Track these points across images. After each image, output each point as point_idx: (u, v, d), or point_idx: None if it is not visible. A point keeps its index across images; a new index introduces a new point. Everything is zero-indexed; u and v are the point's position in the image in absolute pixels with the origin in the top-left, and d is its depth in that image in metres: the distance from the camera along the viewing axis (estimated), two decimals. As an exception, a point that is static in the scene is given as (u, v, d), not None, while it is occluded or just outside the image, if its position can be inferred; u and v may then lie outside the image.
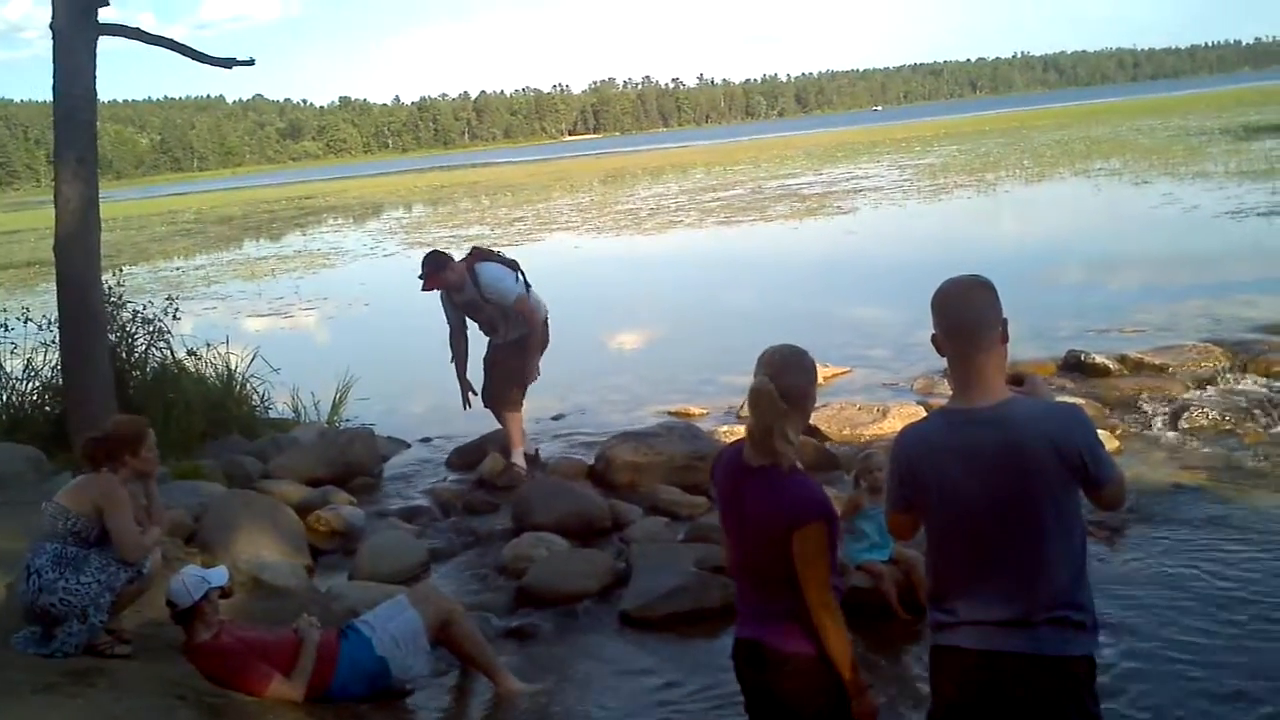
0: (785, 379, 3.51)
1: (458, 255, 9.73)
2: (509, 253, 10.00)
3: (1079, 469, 3.24)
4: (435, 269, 9.58)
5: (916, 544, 6.12)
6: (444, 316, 9.88)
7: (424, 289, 9.77)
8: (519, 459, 9.71)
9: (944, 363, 3.52)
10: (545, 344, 9.92)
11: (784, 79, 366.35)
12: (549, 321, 9.96)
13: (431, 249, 10.22)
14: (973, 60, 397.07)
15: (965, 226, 25.29)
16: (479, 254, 9.89)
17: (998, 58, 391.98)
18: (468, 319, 9.89)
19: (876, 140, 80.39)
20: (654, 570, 7.17)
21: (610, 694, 5.94)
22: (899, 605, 6.42)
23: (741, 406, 10.86)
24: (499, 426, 10.28)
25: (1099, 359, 11.12)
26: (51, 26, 8.58)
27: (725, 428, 10.20)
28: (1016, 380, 3.59)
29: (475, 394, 9.97)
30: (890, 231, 26.20)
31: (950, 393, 3.49)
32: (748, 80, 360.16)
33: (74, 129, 8.54)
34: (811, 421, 3.63)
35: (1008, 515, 3.27)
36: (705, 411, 11.21)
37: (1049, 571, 3.28)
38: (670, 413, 11.19)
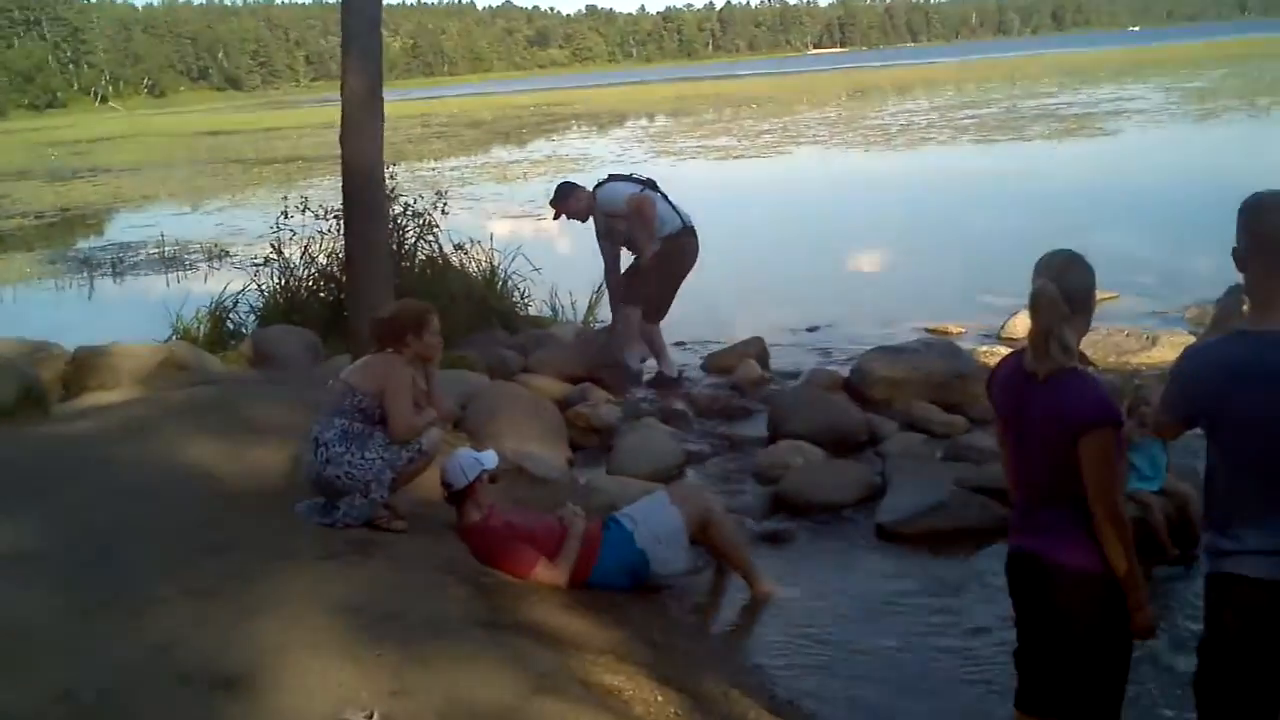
0: (1067, 280, 3.43)
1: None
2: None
3: None
4: (561, 198, 9.87)
5: (1191, 477, 5.95)
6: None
7: (554, 218, 10.08)
8: (633, 360, 9.79)
9: (1216, 292, 3.36)
10: (683, 258, 9.80)
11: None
12: (692, 235, 9.82)
13: (563, 180, 10.39)
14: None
15: (1238, 152, 23.98)
16: (609, 179, 10.02)
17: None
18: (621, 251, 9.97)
19: (1138, 61, 76.81)
20: (911, 486, 7.10)
21: (864, 606, 5.90)
22: (1168, 538, 6.20)
23: (1003, 326, 10.62)
24: (755, 334, 10.28)
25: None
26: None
27: (985, 347, 9.97)
28: None
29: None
30: (1156, 155, 25.10)
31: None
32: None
33: (359, 19, 8.74)
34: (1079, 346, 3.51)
35: None
36: (963, 330, 10.97)
37: None
38: (928, 329, 11.00)
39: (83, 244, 21.71)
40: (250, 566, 5.09)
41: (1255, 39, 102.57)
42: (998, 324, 10.79)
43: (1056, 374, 3.41)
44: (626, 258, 10.05)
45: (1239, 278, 3.34)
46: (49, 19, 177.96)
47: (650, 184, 9.82)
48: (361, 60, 8.60)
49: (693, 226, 9.82)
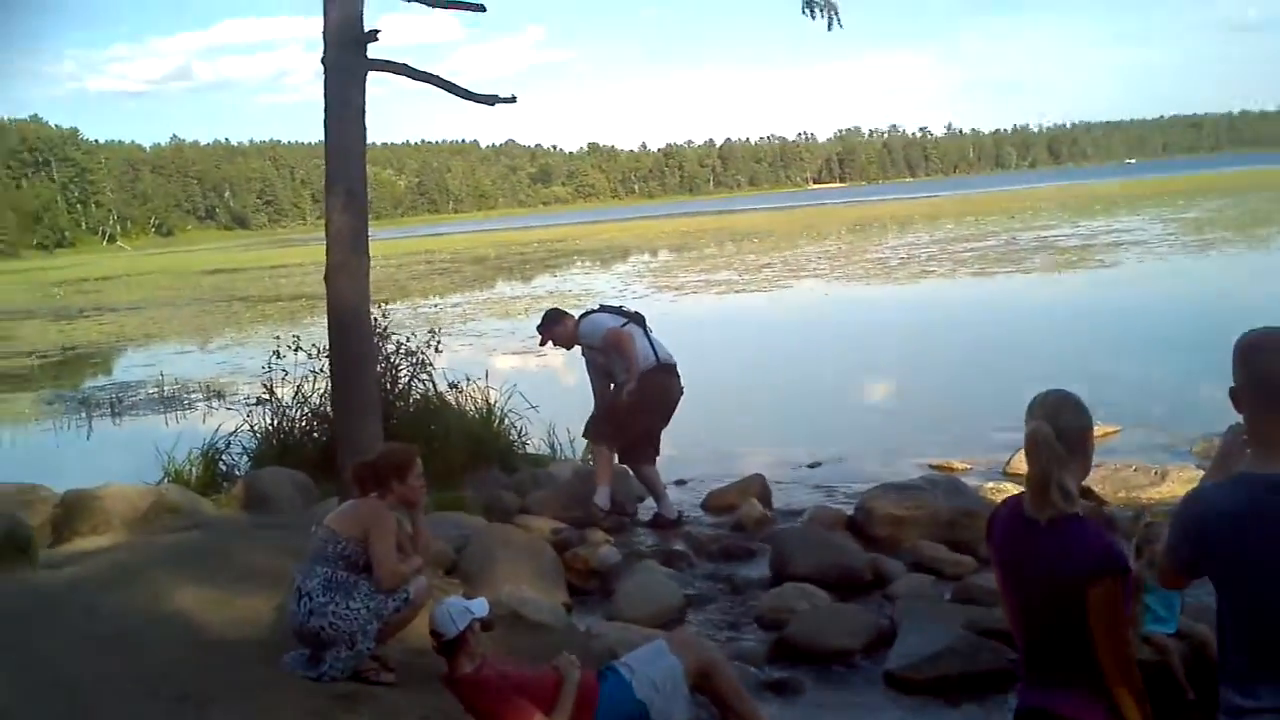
0: (1061, 420, 3.30)
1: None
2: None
3: None
4: (548, 324, 9.89)
5: (1206, 618, 5.75)
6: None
7: (540, 344, 10.06)
8: (601, 499, 9.46)
9: (1223, 426, 3.23)
10: (663, 397, 9.59)
11: (1035, 130, 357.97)
12: (670, 374, 9.64)
13: (550, 307, 10.39)
14: (1235, 113, 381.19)
15: (1237, 282, 24.10)
16: (598, 309, 9.99)
17: (1264, 110, 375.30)
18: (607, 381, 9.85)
19: (1134, 194, 77.92)
20: (920, 630, 6.86)
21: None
22: (1186, 681, 5.96)
23: (1008, 462, 10.45)
24: (756, 471, 10.12)
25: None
26: (323, 61, 8.81)
27: (991, 484, 9.79)
28: None
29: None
30: (1157, 286, 25.24)
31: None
32: (998, 130, 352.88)
33: (344, 161, 8.72)
34: (1085, 481, 3.40)
35: None
36: (969, 466, 10.80)
37: None
38: (932, 465, 10.82)
39: (83, 383, 21.72)
40: (228, 724, 4.89)
41: (1250, 171, 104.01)
42: (1003, 459, 10.62)
43: (1058, 520, 3.27)
44: None
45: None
46: (58, 159, 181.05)
47: (637, 318, 9.74)
48: (346, 199, 8.55)
49: (672, 364, 9.65)
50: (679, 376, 9.70)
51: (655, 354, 9.55)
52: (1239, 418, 3.30)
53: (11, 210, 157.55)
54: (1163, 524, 6.76)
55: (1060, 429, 3.28)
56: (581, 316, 9.86)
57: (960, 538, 8.56)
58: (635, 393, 9.31)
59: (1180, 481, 9.38)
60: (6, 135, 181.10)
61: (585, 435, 9.96)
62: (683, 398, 9.71)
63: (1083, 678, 3.29)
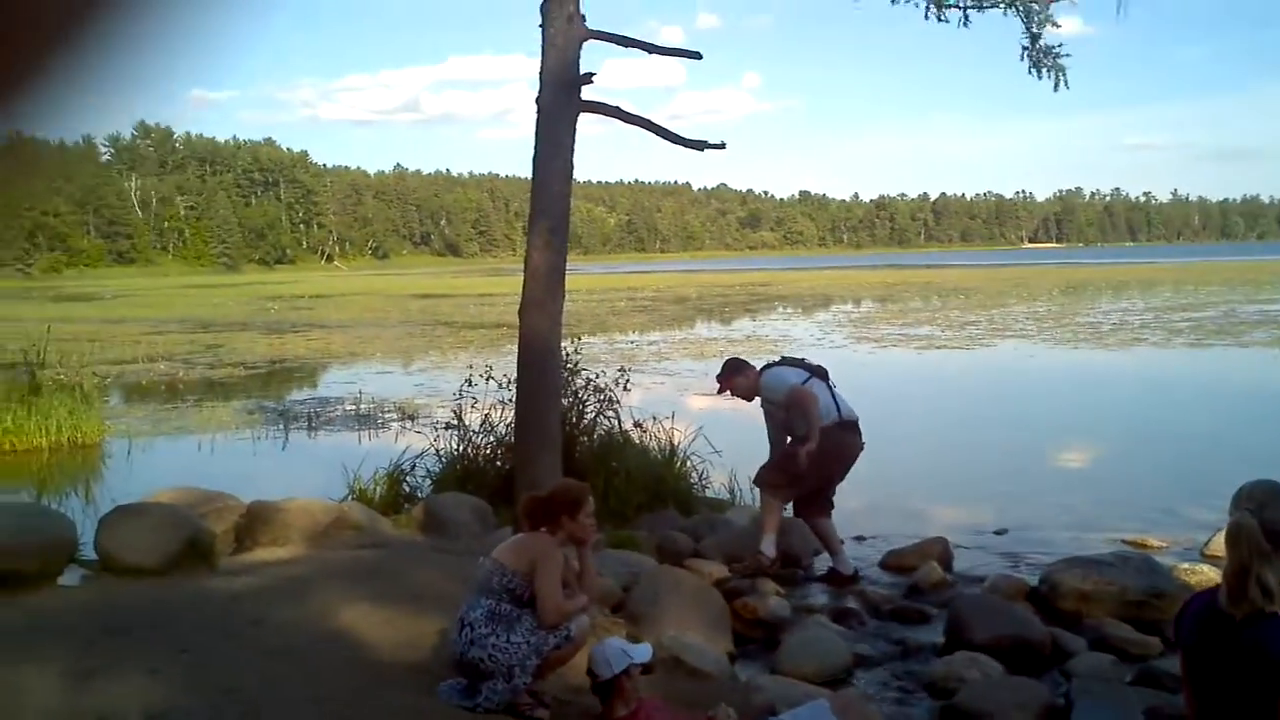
0: (1268, 513, 3.10)
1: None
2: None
3: None
4: (729, 374, 9.64)
5: None
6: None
7: (718, 392, 9.81)
8: (767, 548, 9.18)
9: None
10: (839, 452, 9.38)
11: (1267, 200, 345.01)
12: (849, 431, 9.44)
13: (731, 356, 10.20)
14: None
15: None
16: (781, 362, 9.79)
17: None
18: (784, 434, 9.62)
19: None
20: (1097, 710, 6.55)
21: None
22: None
23: (1207, 543, 9.95)
24: (939, 534, 9.87)
25: None
26: (537, 102, 8.97)
27: (1187, 564, 9.31)
28: None
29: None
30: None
31: None
32: (1225, 199, 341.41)
33: (549, 200, 8.87)
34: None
35: None
36: (1164, 544, 10.30)
37: None
38: (1124, 541, 10.36)
39: (285, 397, 22.34)
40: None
41: None
42: (1202, 539, 10.11)
43: (1254, 616, 3.06)
44: None
45: None
46: (286, 181, 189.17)
47: (820, 371, 9.58)
48: (548, 237, 8.70)
49: (854, 420, 9.48)
50: (860, 432, 9.53)
51: (838, 409, 9.39)
52: None
53: (238, 226, 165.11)
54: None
55: (1268, 524, 3.08)
56: (764, 369, 9.73)
57: (1149, 617, 8.18)
58: (814, 452, 9.14)
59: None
60: (239, 155, 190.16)
61: (756, 483, 9.80)
62: (862, 453, 9.54)
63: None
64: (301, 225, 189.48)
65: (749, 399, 9.70)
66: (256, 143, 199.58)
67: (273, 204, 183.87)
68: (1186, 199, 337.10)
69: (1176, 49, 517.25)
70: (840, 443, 9.34)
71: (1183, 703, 6.08)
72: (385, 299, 66.41)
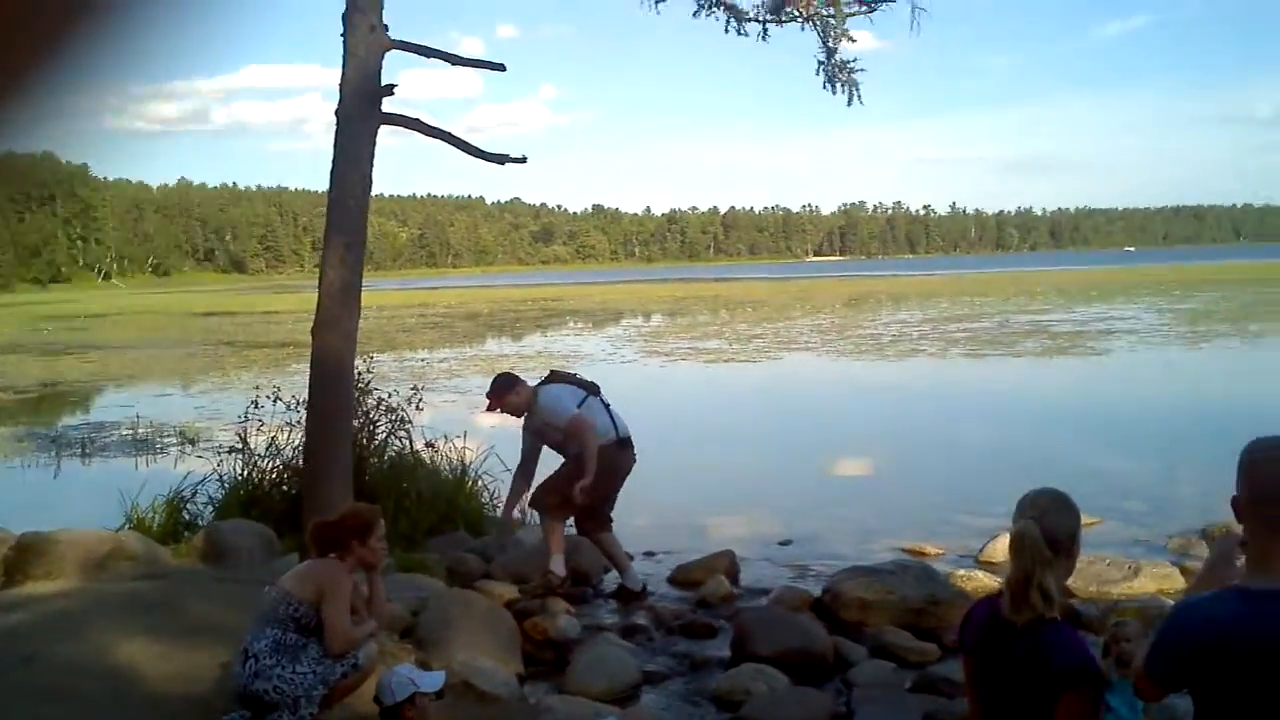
0: (1051, 521, 3.24)
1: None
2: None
3: None
4: (500, 392, 9.40)
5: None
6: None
7: (487, 409, 9.58)
8: (556, 567, 9.16)
9: (1201, 523, 3.15)
10: (615, 469, 9.39)
11: (1039, 213, 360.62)
12: (625, 448, 9.47)
13: (502, 371, 10.05)
14: (1239, 206, 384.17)
15: (1227, 379, 24.11)
16: (552, 377, 9.72)
17: (1266, 204, 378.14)
18: (543, 446, 9.63)
19: (1132, 281, 78.27)
20: (878, 717, 6.77)
21: None
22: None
23: (981, 550, 10.35)
24: (727, 547, 10.01)
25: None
26: (337, 114, 8.82)
27: (963, 571, 9.67)
28: None
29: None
30: (1146, 377, 25.21)
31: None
32: (1001, 211, 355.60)
33: (346, 215, 8.71)
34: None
35: None
36: (941, 552, 10.67)
37: None
38: (904, 550, 10.69)
39: (57, 421, 21.53)
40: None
41: (1249, 264, 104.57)
42: (977, 546, 10.51)
43: (1035, 623, 3.20)
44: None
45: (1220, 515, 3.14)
46: (63, 195, 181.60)
47: (593, 388, 9.58)
48: (343, 253, 8.55)
49: (627, 438, 9.50)
50: (633, 447, 9.56)
51: (615, 427, 9.42)
52: (1219, 514, 3.24)
53: (11, 244, 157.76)
54: (1132, 622, 6.68)
55: (1049, 531, 3.21)
56: (539, 385, 9.62)
57: (927, 625, 8.44)
58: (590, 467, 9.13)
59: (1153, 578, 9.31)
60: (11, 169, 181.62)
61: (533, 506, 9.76)
62: (635, 466, 9.60)
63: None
64: (79, 242, 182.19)
65: (520, 415, 9.52)
66: (31, 155, 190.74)
67: (49, 219, 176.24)
68: (964, 211, 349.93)
69: (974, 60, 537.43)
70: (616, 460, 9.36)
71: (962, 707, 6.34)
72: (166, 318, 64.50)
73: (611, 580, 9.91)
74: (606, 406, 9.51)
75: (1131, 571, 9.54)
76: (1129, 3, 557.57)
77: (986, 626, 3.39)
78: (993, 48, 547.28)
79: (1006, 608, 3.28)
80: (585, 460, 9.08)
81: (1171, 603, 8.28)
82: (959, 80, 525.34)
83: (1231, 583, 3.09)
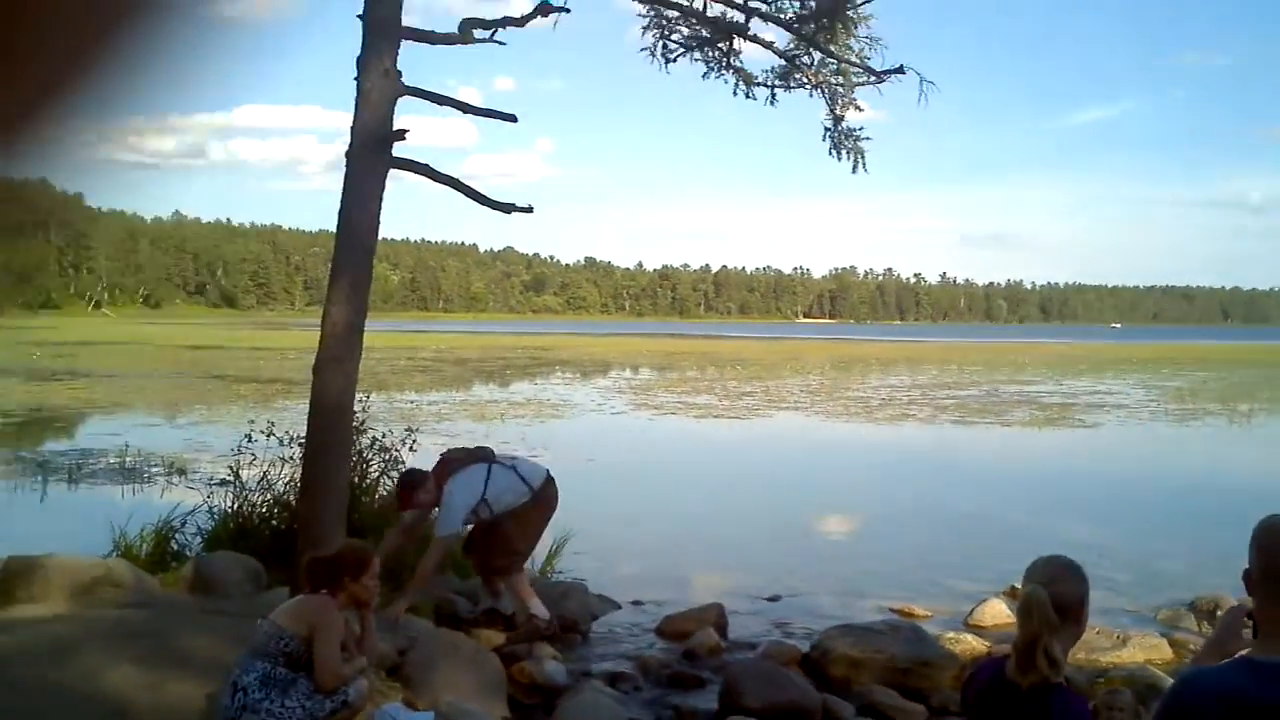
0: (1060, 587, 3.24)
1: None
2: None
3: None
4: (408, 490, 9.10)
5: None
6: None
7: (400, 509, 9.33)
8: (537, 610, 9.00)
9: (1189, 595, 3.16)
10: (543, 515, 9.34)
11: (1029, 286, 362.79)
12: (545, 491, 9.28)
13: (408, 468, 9.89)
14: (1227, 288, 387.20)
15: (1214, 456, 24.20)
16: (447, 466, 9.26)
17: (1254, 289, 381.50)
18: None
19: (1121, 357, 78.67)
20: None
21: None
22: None
23: (970, 613, 10.34)
24: (716, 600, 9.98)
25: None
26: (348, 155, 8.85)
27: (951, 633, 9.66)
28: None
29: None
30: (1134, 451, 25.36)
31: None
32: (991, 283, 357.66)
33: (353, 254, 8.71)
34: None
35: None
36: (930, 614, 10.65)
37: None
38: (891, 610, 10.68)
39: (44, 447, 21.44)
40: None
41: (1237, 345, 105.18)
42: (965, 609, 10.50)
43: (1040, 687, 3.19)
44: None
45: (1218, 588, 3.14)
46: (56, 223, 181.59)
47: (488, 455, 9.37)
48: (349, 292, 8.53)
49: (544, 480, 9.29)
50: (553, 484, 9.39)
51: (527, 485, 9.21)
52: (1207, 587, 3.24)
53: (2, 269, 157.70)
54: (1125, 691, 6.68)
55: (1057, 597, 3.22)
56: (449, 471, 9.15)
57: (914, 684, 8.45)
58: (520, 519, 9.06)
59: (1142, 648, 9.32)
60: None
61: (485, 575, 9.55)
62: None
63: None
64: (71, 270, 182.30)
65: (431, 509, 9.24)
66: (28, 180, 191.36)
67: (42, 246, 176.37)
68: (954, 281, 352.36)
69: (967, 135, 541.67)
70: (541, 510, 9.27)
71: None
72: (155, 349, 64.32)
73: (600, 627, 9.85)
74: (515, 467, 9.32)
75: (1120, 641, 9.53)
76: (1116, 89, 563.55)
77: (990, 688, 3.38)
78: (986, 123, 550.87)
79: (1012, 670, 3.27)
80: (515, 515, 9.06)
81: (1160, 673, 8.30)
82: (951, 153, 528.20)
83: (1238, 654, 3.09)
